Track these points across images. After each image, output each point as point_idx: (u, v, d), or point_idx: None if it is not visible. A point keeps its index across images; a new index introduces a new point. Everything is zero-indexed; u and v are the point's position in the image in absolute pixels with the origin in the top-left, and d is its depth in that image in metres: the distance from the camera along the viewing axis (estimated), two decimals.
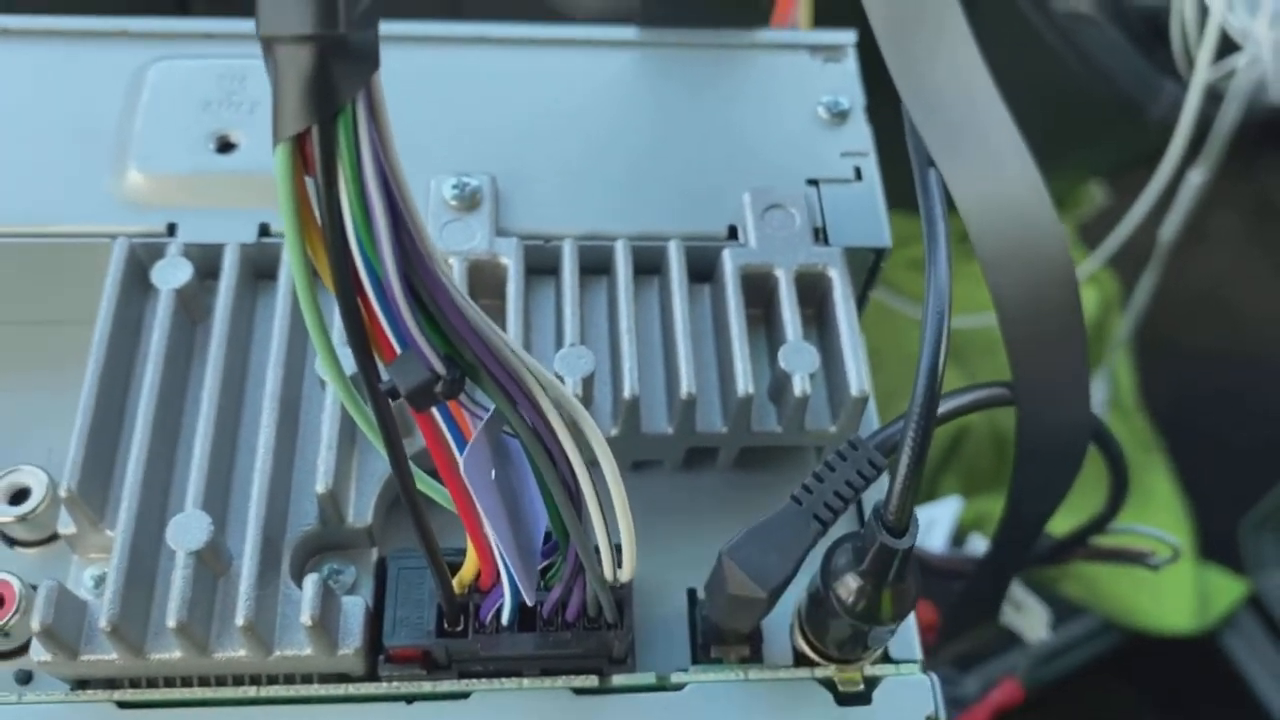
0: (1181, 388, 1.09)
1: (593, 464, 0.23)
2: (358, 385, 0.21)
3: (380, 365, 0.21)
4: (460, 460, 0.22)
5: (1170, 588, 0.93)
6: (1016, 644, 0.81)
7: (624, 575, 0.25)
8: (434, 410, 0.22)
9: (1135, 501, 0.97)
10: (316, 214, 0.19)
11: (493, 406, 0.22)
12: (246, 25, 0.33)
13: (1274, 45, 0.72)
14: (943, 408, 0.28)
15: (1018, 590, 0.51)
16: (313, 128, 0.18)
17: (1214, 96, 0.76)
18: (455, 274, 0.29)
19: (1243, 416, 1.09)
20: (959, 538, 0.70)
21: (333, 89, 0.18)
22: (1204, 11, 0.73)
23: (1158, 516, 0.97)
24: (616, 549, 0.25)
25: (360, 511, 0.27)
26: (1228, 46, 0.73)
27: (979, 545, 0.49)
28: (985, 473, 0.93)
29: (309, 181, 0.19)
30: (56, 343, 0.31)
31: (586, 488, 0.23)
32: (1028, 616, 0.53)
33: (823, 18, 0.43)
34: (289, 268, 0.29)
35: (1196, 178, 0.81)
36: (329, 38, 0.18)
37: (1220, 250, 1.22)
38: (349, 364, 0.21)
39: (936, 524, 0.75)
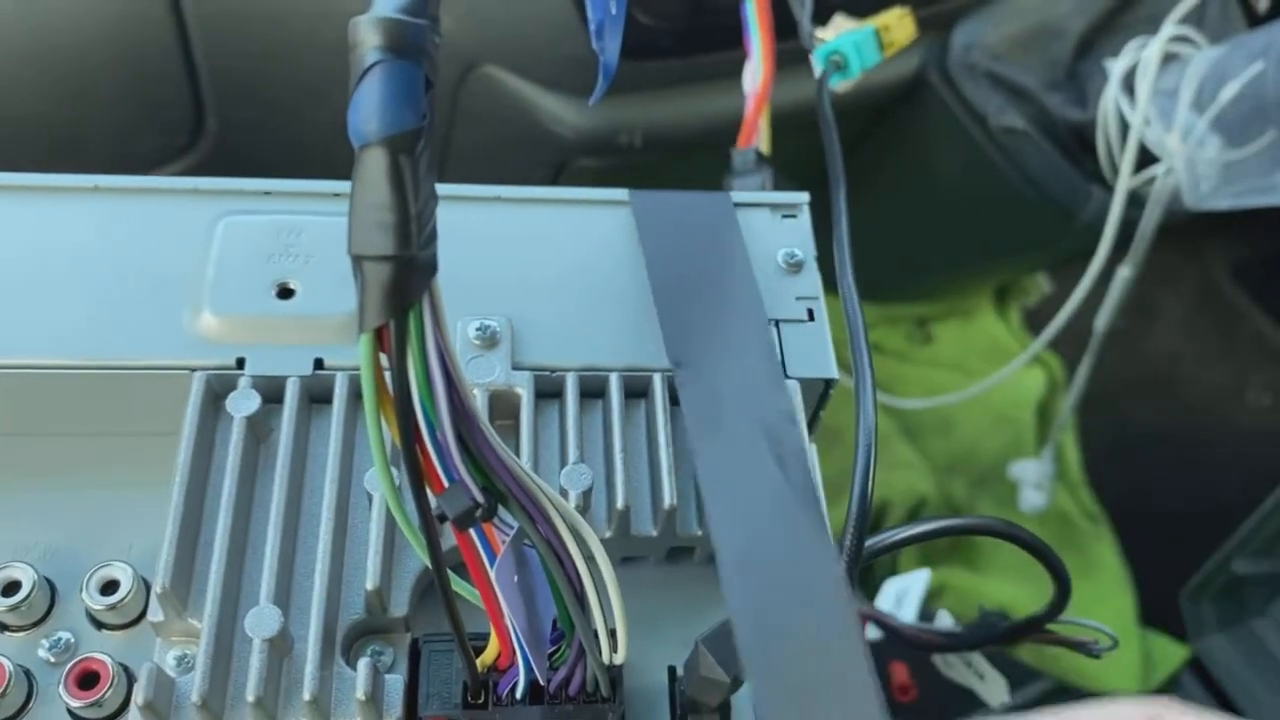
0: (1127, 462, 1.16)
1: (590, 560, 0.29)
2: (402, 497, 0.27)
3: (431, 495, 0.27)
4: (491, 570, 0.28)
5: (1116, 653, 0.99)
6: (978, 708, 0.87)
7: (619, 658, 0.31)
8: (474, 533, 0.28)
9: (1082, 570, 1.04)
10: (388, 384, 0.25)
11: (517, 525, 0.28)
12: (298, 184, 0.39)
13: (1185, 157, 0.80)
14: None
15: (979, 660, 0.57)
16: (390, 323, 0.24)
17: (1137, 201, 0.84)
18: (478, 401, 0.35)
19: (1184, 489, 1.15)
20: (927, 609, 0.76)
21: (405, 294, 0.24)
22: (1125, 126, 0.81)
23: (1104, 585, 1.04)
24: (611, 634, 0.30)
25: (399, 603, 0.33)
26: (1147, 158, 0.81)
27: (946, 619, 0.55)
28: (942, 545, 1.00)
29: (383, 358, 0.25)
30: (132, 451, 0.37)
31: (589, 588, 0.29)
32: (990, 685, 0.59)
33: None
34: (340, 398, 0.35)
35: (1125, 272, 0.89)
36: (404, 258, 0.23)
37: (1168, 328, 1.29)
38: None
39: (908, 595, 0.81)
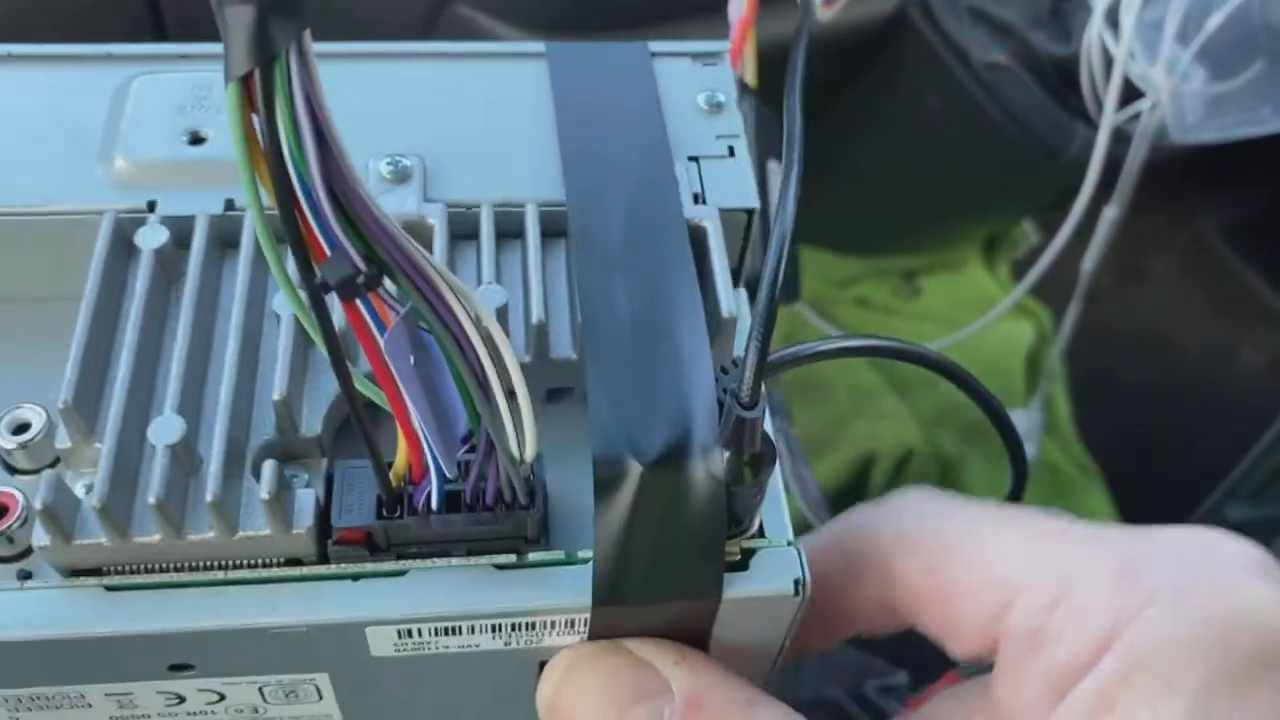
0: (1121, 418, 1.15)
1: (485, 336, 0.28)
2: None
3: (315, 266, 0.26)
4: (382, 342, 0.27)
5: None
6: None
7: (528, 452, 0.30)
8: (361, 306, 0.27)
9: None
10: (260, 142, 0.25)
11: (409, 303, 0.27)
12: (215, 48, 0.39)
13: (1171, 91, 0.79)
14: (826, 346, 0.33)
15: None
16: (255, 70, 0.24)
17: (1122, 138, 0.82)
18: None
19: (1178, 445, 1.14)
20: None
21: (269, 39, 0.23)
22: (1109, 61, 0.80)
23: None
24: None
25: (311, 423, 0.32)
26: (1132, 93, 0.80)
27: None
28: (928, 483, 0.98)
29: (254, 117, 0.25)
30: (47, 317, 0.36)
31: (491, 372, 0.28)
32: None
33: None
34: (249, 233, 0.35)
35: (1111, 213, 0.88)
36: (264, 1, 0.23)
37: (1159, 289, 1.28)
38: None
39: None
